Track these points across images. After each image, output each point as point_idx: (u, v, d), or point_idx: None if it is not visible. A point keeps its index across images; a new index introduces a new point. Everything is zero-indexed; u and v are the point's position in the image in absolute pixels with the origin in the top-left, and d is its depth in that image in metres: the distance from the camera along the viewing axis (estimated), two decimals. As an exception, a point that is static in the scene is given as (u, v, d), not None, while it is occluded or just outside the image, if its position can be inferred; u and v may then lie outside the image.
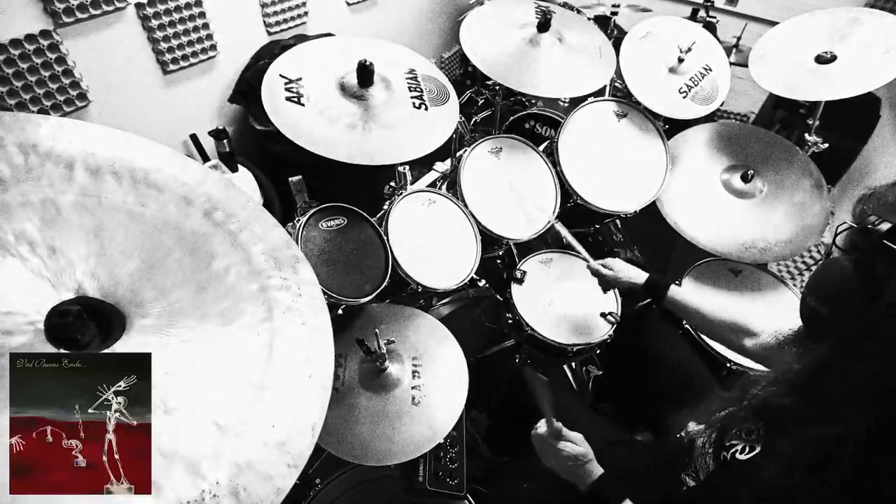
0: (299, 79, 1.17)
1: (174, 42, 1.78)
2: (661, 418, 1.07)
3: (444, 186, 1.68)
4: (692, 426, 0.94)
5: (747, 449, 0.73)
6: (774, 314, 1.50)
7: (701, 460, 0.83)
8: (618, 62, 1.63)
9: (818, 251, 2.51)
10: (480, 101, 2.63)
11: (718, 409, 0.86)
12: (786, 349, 0.79)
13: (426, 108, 1.29)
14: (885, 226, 0.58)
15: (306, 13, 2.26)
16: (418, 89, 1.31)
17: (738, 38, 2.37)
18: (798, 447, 0.63)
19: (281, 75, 1.16)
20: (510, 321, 1.52)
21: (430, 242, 1.37)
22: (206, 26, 1.85)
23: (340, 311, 1.21)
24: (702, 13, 2.45)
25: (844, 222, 0.65)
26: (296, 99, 1.13)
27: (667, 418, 1.03)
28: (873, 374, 0.56)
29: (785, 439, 0.67)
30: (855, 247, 0.64)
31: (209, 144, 1.82)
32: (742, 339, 1.05)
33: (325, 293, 1.00)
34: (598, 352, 1.56)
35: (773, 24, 1.74)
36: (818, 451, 0.60)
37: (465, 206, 1.45)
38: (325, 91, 1.19)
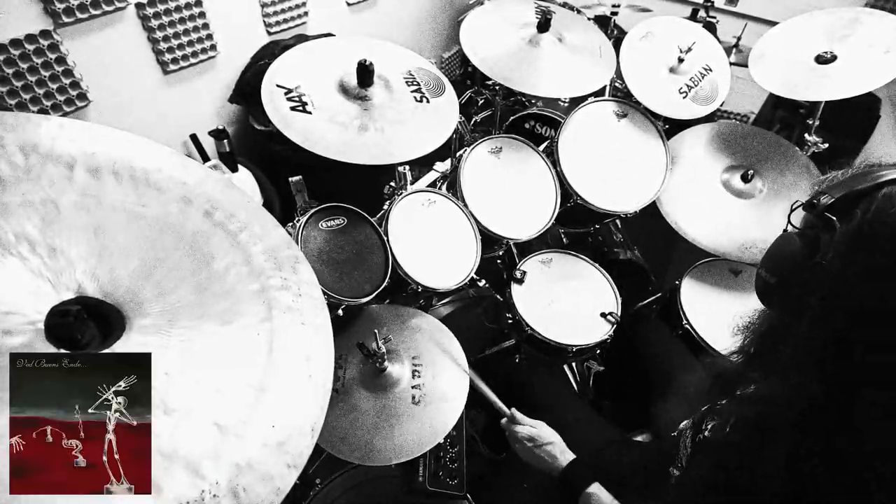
0: (297, 86, 1.17)
1: (174, 42, 1.78)
2: (658, 419, 1.07)
3: (444, 186, 1.68)
4: (684, 423, 0.95)
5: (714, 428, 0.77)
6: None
7: (683, 448, 0.84)
8: (618, 62, 1.63)
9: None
10: (480, 101, 2.63)
11: (699, 399, 0.88)
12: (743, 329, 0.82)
13: (427, 101, 1.29)
14: (828, 199, 0.62)
15: (306, 13, 2.26)
16: (415, 83, 1.31)
17: (738, 38, 2.36)
18: (738, 406, 0.69)
19: (279, 85, 1.15)
20: (510, 321, 1.52)
21: (430, 242, 1.37)
22: (206, 26, 1.85)
23: (340, 312, 1.21)
24: (702, 13, 2.45)
25: (797, 201, 0.69)
26: (300, 108, 1.13)
27: (662, 419, 1.04)
28: (808, 333, 0.59)
29: (730, 401, 0.72)
30: (804, 224, 0.68)
31: (209, 144, 1.83)
32: None
33: (325, 293, 1.00)
34: (598, 352, 1.56)
35: (773, 24, 1.74)
36: (755, 409, 0.64)
37: (465, 206, 1.45)
38: (327, 96, 1.19)
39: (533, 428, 1.05)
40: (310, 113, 1.13)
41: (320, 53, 1.30)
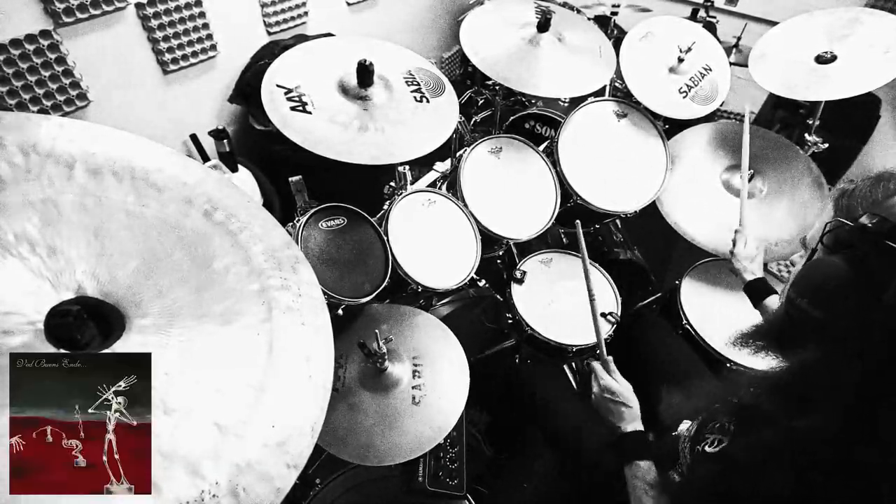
0: (297, 86, 1.17)
1: (174, 42, 1.78)
2: (659, 418, 1.07)
3: (444, 186, 1.68)
4: (683, 424, 0.94)
5: (716, 442, 0.74)
6: (774, 314, 1.50)
7: (682, 455, 0.84)
8: (618, 62, 1.63)
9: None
10: (480, 101, 2.63)
11: (704, 405, 0.87)
12: (759, 347, 0.79)
13: (427, 101, 1.29)
14: (878, 222, 0.57)
15: (306, 13, 2.26)
16: (415, 83, 1.31)
17: (738, 38, 2.37)
18: (771, 438, 0.64)
19: (279, 85, 1.15)
20: (510, 321, 1.52)
21: (430, 242, 1.37)
22: (206, 26, 1.85)
23: (340, 312, 1.21)
24: (702, 13, 2.45)
25: (835, 219, 0.64)
26: (300, 108, 1.13)
27: (664, 418, 1.04)
28: (866, 373, 0.56)
29: (758, 431, 0.67)
30: (841, 244, 0.62)
31: (209, 144, 1.82)
32: None
33: (325, 293, 1.00)
34: (597, 351, 1.56)
35: (773, 24, 1.74)
36: (791, 443, 0.61)
37: (465, 206, 1.45)
38: (327, 96, 1.19)
39: (618, 384, 1.04)
40: (310, 113, 1.13)
41: (320, 53, 1.30)
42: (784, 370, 0.68)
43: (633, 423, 0.98)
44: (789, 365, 0.68)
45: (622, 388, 1.03)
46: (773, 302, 1.21)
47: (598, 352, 1.12)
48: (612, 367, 1.08)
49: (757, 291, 1.26)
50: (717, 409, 0.81)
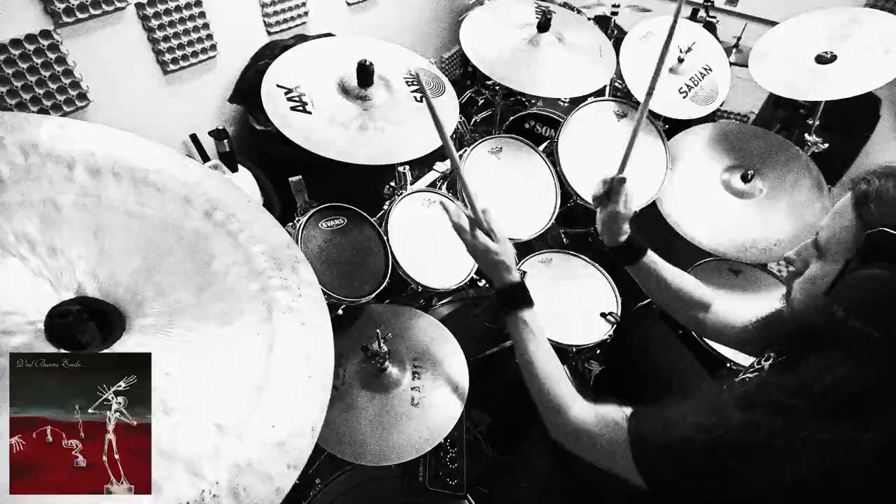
0: (297, 86, 1.17)
1: (174, 42, 1.78)
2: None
3: (444, 186, 1.68)
4: None
5: None
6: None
7: None
8: (618, 62, 1.63)
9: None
10: (480, 101, 2.63)
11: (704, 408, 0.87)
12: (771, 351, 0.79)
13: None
14: None
15: (306, 13, 2.26)
16: (416, 83, 1.31)
17: (738, 38, 2.37)
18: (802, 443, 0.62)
19: (279, 85, 1.15)
20: (510, 321, 1.52)
21: (429, 242, 1.37)
22: (206, 26, 1.85)
23: (340, 312, 1.21)
24: (702, 13, 2.45)
25: (877, 229, 0.59)
26: (300, 108, 1.13)
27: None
28: None
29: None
30: (884, 253, 0.58)
31: (209, 144, 1.82)
32: (699, 313, 1.08)
33: (325, 293, 1.00)
34: (598, 352, 1.56)
35: (773, 24, 1.75)
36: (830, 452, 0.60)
37: (465, 206, 1.45)
38: (327, 96, 1.20)
39: (496, 244, 0.98)
40: (310, 113, 1.13)
41: (320, 53, 1.30)
42: (827, 387, 0.63)
43: (509, 272, 0.96)
44: (834, 382, 0.63)
45: (500, 245, 0.97)
46: (654, 260, 1.13)
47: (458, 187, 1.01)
48: (494, 215, 1.00)
49: (635, 252, 1.16)
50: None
